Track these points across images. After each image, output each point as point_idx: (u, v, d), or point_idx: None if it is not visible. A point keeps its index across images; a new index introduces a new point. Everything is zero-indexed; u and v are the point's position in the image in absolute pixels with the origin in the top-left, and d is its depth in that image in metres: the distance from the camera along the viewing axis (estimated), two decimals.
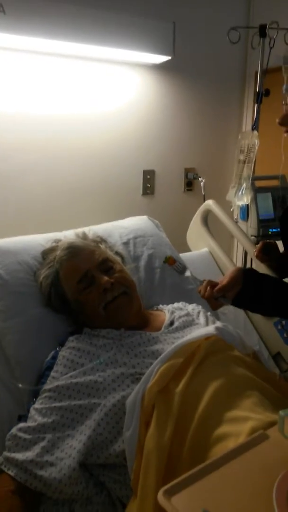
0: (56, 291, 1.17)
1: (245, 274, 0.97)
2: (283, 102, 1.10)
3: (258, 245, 1.36)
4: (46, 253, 1.25)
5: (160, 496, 0.64)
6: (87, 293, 1.13)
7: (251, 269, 1.03)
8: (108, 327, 1.12)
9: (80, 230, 1.31)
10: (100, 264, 1.16)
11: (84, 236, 1.27)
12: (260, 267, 1.40)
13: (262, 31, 1.74)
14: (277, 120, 1.11)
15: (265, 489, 0.64)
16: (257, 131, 1.74)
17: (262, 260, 1.37)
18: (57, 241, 1.28)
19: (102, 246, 1.26)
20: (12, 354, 1.12)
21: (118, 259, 1.26)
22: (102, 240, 1.31)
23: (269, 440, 0.76)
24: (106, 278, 1.12)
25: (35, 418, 0.95)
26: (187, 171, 2.12)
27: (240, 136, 1.75)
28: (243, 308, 1.05)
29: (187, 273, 1.06)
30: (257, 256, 1.36)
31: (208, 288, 0.98)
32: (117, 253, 1.31)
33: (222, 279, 0.99)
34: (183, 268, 1.08)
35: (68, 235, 1.32)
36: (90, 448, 0.89)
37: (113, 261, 1.20)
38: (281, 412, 0.73)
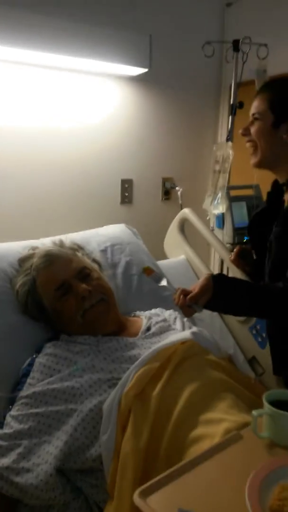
0: (33, 298, 1.17)
1: (215, 282, 1.00)
2: (251, 113, 1.15)
3: (235, 250, 1.38)
4: (22, 260, 1.25)
5: (136, 497, 0.65)
6: (64, 300, 1.13)
7: (220, 275, 1.07)
8: (85, 334, 1.13)
9: (57, 237, 1.31)
10: (77, 273, 1.16)
11: (61, 244, 1.27)
12: (236, 273, 1.44)
13: (236, 45, 1.79)
14: (240, 131, 1.17)
15: (238, 487, 0.66)
16: (232, 142, 1.79)
17: (237, 265, 1.39)
18: (34, 248, 1.28)
19: (79, 253, 1.27)
20: None
21: (95, 266, 1.27)
22: (79, 247, 1.32)
23: (243, 440, 0.78)
24: (84, 286, 1.13)
25: (12, 425, 0.95)
26: (164, 180, 2.15)
27: (215, 147, 1.79)
28: (216, 311, 1.12)
29: (163, 282, 1.10)
30: (233, 261, 1.39)
31: (181, 296, 1.01)
32: (94, 260, 1.32)
33: (193, 287, 1.02)
34: (160, 277, 1.11)
35: (45, 242, 1.32)
36: (67, 453, 0.90)
37: (90, 269, 1.21)
38: (254, 412, 0.76)
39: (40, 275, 1.17)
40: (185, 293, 1.01)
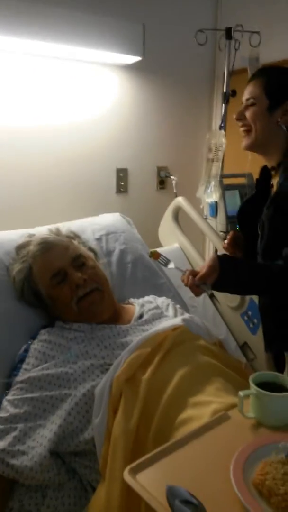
0: (29, 285, 1.18)
1: (221, 261, 1.04)
2: (245, 98, 1.17)
3: (229, 235, 1.38)
4: (19, 247, 1.26)
5: (126, 474, 0.68)
6: (60, 288, 1.15)
7: (226, 255, 1.12)
8: (80, 321, 1.15)
9: (53, 226, 1.32)
10: (73, 260, 1.18)
11: (58, 232, 1.28)
12: None
13: (228, 33, 1.79)
14: (234, 116, 1.19)
15: (225, 465, 0.68)
16: (225, 131, 1.79)
17: (231, 252, 1.40)
18: (31, 235, 1.29)
19: (75, 241, 1.28)
20: None
21: (91, 255, 1.28)
22: (76, 235, 1.33)
23: (230, 420, 0.81)
24: (79, 274, 1.14)
25: (7, 409, 0.97)
26: (159, 169, 2.15)
27: (208, 135, 1.80)
28: (223, 291, 1.17)
29: (171, 265, 1.12)
30: (227, 247, 1.40)
31: (190, 277, 1.05)
32: (90, 248, 1.33)
33: (201, 268, 1.06)
34: (167, 261, 1.14)
35: (41, 230, 1.33)
36: (61, 437, 0.92)
37: (86, 257, 1.22)
38: (240, 393, 0.78)
39: (36, 262, 1.18)
40: (193, 274, 1.06)
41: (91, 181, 1.93)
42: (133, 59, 1.78)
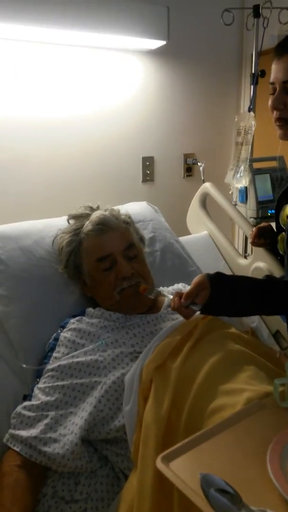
0: (74, 259, 1.17)
1: (210, 278, 0.95)
2: (281, 81, 1.02)
3: (252, 232, 1.33)
4: (74, 216, 1.24)
5: (158, 462, 0.67)
6: (105, 275, 1.13)
7: (218, 273, 0.99)
8: (116, 310, 1.13)
9: (116, 207, 1.27)
10: (125, 249, 1.15)
11: (117, 215, 1.23)
12: (258, 250, 1.42)
13: (256, 11, 1.72)
14: (270, 104, 1.05)
15: (260, 454, 0.66)
16: (254, 113, 1.73)
17: (258, 245, 1.36)
18: (87, 208, 1.26)
19: (131, 228, 1.24)
20: (16, 338, 1.15)
21: (141, 246, 1.25)
22: (132, 221, 1.28)
23: (265, 409, 0.78)
24: (128, 267, 1.12)
25: (39, 397, 0.98)
26: (186, 156, 2.12)
27: (236, 118, 1.74)
28: (217, 313, 1.00)
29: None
30: (252, 243, 1.36)
31: (176, 299, 0.95)
32: (141, 238, 1.30)
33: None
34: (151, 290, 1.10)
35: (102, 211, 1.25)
36: (92, 424, 0.92)
37: (138, 249, 1.19)
38: (276, 381, 0.76)
39: (88, 239, 1.15)
40: (180, 295, 0.96)
41: (116, 170, 1.91)
42: (158, 43, 1.75)
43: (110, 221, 1.17)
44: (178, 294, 0.95)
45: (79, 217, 1.23)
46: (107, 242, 1.14)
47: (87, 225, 1.17)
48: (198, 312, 1.04)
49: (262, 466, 0.63)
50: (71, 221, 1.25)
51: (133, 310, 1.14)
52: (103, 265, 1.12)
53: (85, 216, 1.22)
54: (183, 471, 0.66)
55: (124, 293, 1.12)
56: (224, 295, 0.95)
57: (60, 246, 1.21)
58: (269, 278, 1.05)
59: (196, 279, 0.95)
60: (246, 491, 0.60)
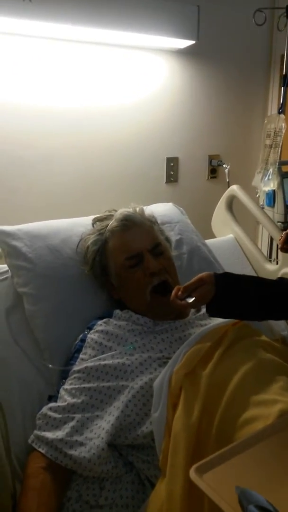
0: (100, 259, 1.15)
1: (217, 276, 0.93)
2: None
3: (282, 237, 1.31)
4: (98, 219, 1.23)
5: (192, 473, 0.65)
6: (132, 272, 1.10)
7: (225, 272, 0.98)
8: (144, 313, 1.11)
9: (139, 206, 1.26)
10: (152, 247, 1.13)
11: (142, 212, 1.21)
12: (286, 256, 1.39)
13: None
14: None
15: None
16: (284, 115, 1.70)
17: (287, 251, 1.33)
18: (112, 211, 1.25)
19: (156, 227, 1.23)
20: (42, 337, 1.14)
21: (167, 245, 1.23)
22: (156, 221, 1.27)
23: None
24: (155, 262, 1.09)
25: (65, 398, 0.97)
26: (211, 158, 2.09)
27: (266, 120, 1.71)
28: (220, 314, 0.98)
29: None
30: (281, 249, 1.33)
31: (173, 292, 0.94)
32: (167, 239, 1.28)
33: None
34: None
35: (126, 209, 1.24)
36: (118, 429, 0.91)
37: (164, 248, 1.17)
38: None
39: (114, 237, 1.14)
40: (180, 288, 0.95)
41: (141, 170, 1.90)
42: (187, 43, 1.73)
43: (135, 217, 1.16)
44: (179, 287, 0.95)
45: (104, 219, 1.22)
46: (133, 238, 1.12)
47: (112, 223, 1.16)
48: (226, 319, 1.02)
49: None
50: (96, 224, 1.24)
51: (162, 318, 1.11)
52: (130, 262, 1.10)
53: (109, 218, 1.21)
54: (218, 484, 0.63)
55: (155, 298, 1.09)
56: (229, 294, 0.93)
57: (85, 247, 1.19)
58: (282, 279, 1.02)
59: (200, 274, 0.94)
60: (284, 508, 0.58)
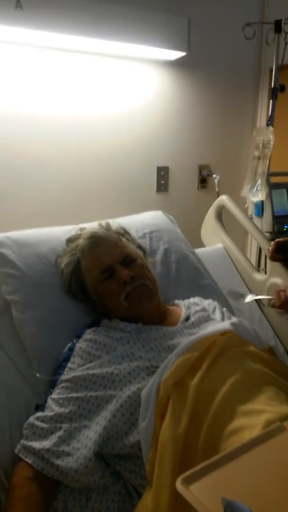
0: (77, 279, 1.18)
1: None
2: None
3: (271, 247, 1.33)
4: (69, 240, 1.25)
5: (178, 484, 0.65)
6: (106, 285, 1.13)
7: None
8: (127, 319, 1.12)
9: (104, 221, 1.30)
10: (122, 259, 1.15)
11: (108, 227, 1.26)
12: (275, 265, 1.40)
13: (278, 26, 1.73)
14: None
15: (283, 478, 0.64)
16: (272, 127, 1.73)
17: (276, 260, 1.35)
18: (82, 229, 1.28)
19: (124, 239, 1.25)
20: (30, 345, 1.14)
21: (140, 253, 1.25)
22: (125, 232, 1.30)
23: (286, 432, 0.76)
24: (126, 272, 1.12)
25: (52, 408, 0.96)
26: (201, 168, 2.11)
27: (255, 132, 1.74)
28: None
29: (249, 298, 1.13)
30: (270, 258, 1.35)
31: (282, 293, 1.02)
32: (139, 246, 1.30)
33: None
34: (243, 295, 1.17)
35: (92, 225, 1.31)
36: (106, 438, 0.90)
37: (134, 256, 1.19)
38: None
39: (84, 256, 1.17)
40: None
41: (131, 179, 1.91)
42: (177, 54, 1.76)
43: (101, 233, 1.20)
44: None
45: (74, 239, 1.24)
46: (102, 254, 1.15)
47: (81, 243, 1.19)
48: (216, 328, 1.02)
49: (284, 492, 0.61)
50: (68, 245, 1.25)
51: (143, 315, 1.13)
52: (104, 276, 1.13)
53: (78, 237, 1.23)
54: (204, 495, 0.63)
55: (131, 297, 1.12)
56: None
57: (60, 269, 1.21)
58: None
59: None
60: None
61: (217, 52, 2.01)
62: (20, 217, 1.64)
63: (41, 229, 1.35)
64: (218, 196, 1.76)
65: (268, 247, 1.38)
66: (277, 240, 1.31)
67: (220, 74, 2.06)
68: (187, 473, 0.67)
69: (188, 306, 1.22)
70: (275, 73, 1.78)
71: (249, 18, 1.82)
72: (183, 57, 1.78)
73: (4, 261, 1.22)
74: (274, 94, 1.77)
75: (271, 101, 1.79)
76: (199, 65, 1.98)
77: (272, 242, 1.32)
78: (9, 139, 1.59)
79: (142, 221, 1.52)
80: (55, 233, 1.33)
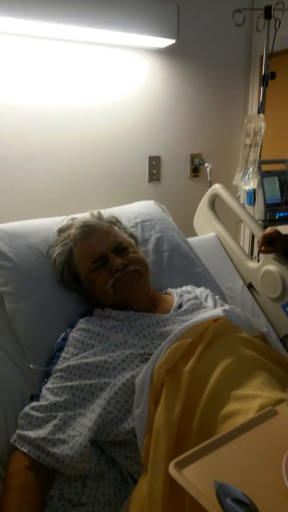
0: (69, 268, 1.18)
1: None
2: None
3: (259, 241, 1.35)
4: (61, 230, 1.25)
5: (171, 468, 0.66)
6: (98, 273, 1.13)
7: None
8: (118, 306, 1.13)
9: (96, 210, 1.29)
10: (114, 248, 1.16)
11: (99, 216, 1.26)
12: (268, 257, 1.41)
13: (268, 12, 1.71)
14: None
15: (274, 462, 0.65)
16: (263, 114, 1.72)
17: (267, 252, 1.37)
18: (73, 219, 1.28)
19: (116, 227, 1.25)
20: (23, 336, 1.14)
21: (132, 241, 1.26)
22: (117, 221, 1.30)
23: (278, 416, 0.77)
24: (119, 260, 1.12)
25: (47, 397, 0.97)
26: (193, 157, 2.11)
27: (246, 119, 1.73)
28: None
29: None
30: (261, 252, 1.37)
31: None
32: (131, 235, 1.30)
33: None
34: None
35: (83, 214, 1.31)
36: (101, 425, 0.91)
37: (126, 245, 1.20)
38: None
39: (76, 245, 1.17)
40: None
41: (123, 169, 1.90)
42: (167, 42, 1.74)
43: (93, 222, 1.20)
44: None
45: (66, 229, 1.24)
46: (94, 243, 1.16)
47: (73, 231, 1.19)
48: (208, 315, 1.03)
49: (278, 474, 0.62)
50: (60, 235, 1.25)
51: (131, 300, 1.13)
52: (96, 265, 1.14)
53: (70, 226, 1.23)
54: (197, 478, 0.64)
55: (117, 283, 1.12)
56: None
57: (52, 259, 1.21)
58: None
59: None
60: (261, 500, 0.59)
61: (207, 40, 2.00)
62: (13, 209, 1.63)
63: (32, 220, 1.35)
64: (210, 185, 1.76)
65: (262, 231, 1.38)
66: (263, 234, 1.33)
67: (210, 61, 2.04)
68: (180, 457, 0.67)
69: (180, 294, 1.23)
70: (265, 60, 1.77)
71: (239, 4, 1.81)
72: (172, 45, 1.76)
73: None
74: (264, 81, 1.76)
75: (261, 88, 1.78)
76: (189, 52, 1.96)
77: (260, 236, 1.33)
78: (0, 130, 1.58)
79: (134, 211, 1.52)
80: (46, 224, 1.33)
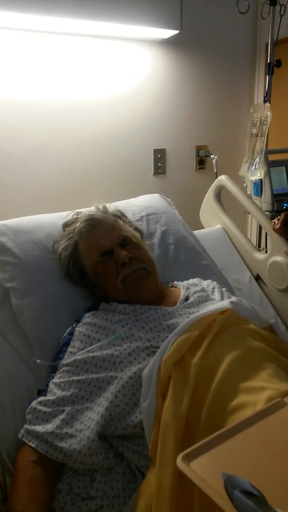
0: (75, 262, 1.17)
1: None
2: None
3: (280, 218, 1.32)
4: (66, 224, 1.25)
5: (179, 461, 0.65)
6: (105, 265, 1.13)
7: None
8: (125, 301, 1.13)
9: (101, 204, 1.29)
10: (121, 241, 1.16)
11: (105, 210, 1.25)
12: (276, 241, 1.39)
13: None
14: None
15: (282, 453, 0.64)
16: (269, 103, 1.69)
17: (282, 234, 1.35)
18: (78, 213, 1.28)
19: (121, 221, 1.25)
20: (30, 332, 1.14)
21: (137, 235, 1.25)
22: (122, 214, 1.30)
23: (286, 408, 0.76)
24: (124, 252, 1.12)
25: (54, 392, 0.96)
26: (198, 149, 2.09)
27: (252, 109, 1.71)
28: None
29: None
30: (278, 230, 1.34)
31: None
32: (136, 228, 1.30)
33: None
34: None
35: (88, 208, 1.30)
36: (108, 419, 0.91)
37: (132, 238, 1.19)
38: None
39: (82, 239, 1.17)
40: None
41: (128, 163, 1.89)
42: (170, 33, 1.72)
43: (98, 215, 1.20)
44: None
45: (71, 223, 1.23)
46: (100, 236, 1.15)
47: (79, 225, 1.18)
48: (215, 307, 1.02)
49: (286, 466, 0.61)
50: (65, 229, 1.25)
51: (139, 296, 1.13)
52: (103, 258, 1.13)
53: (75, 220, 1.22)
54: (205, 470, 0.64)
55: (127, 281, 1.12)
56: None
57: (58, 253, 1.21)
58: None
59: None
60: (270, 492, 0.58)
61: (211, 29, 1.97)
62: (17, 205, 1.63)
63: (37, 216, 1.35)
64: (216, 177, 1.74)
65: (273, 222, 1.36)
66: (286, 212, 1.30)
67: (215, 51, 2.02)
68: (188, 450, 0.67)
69: (187, 287, 1.22)
70: (270, 48, 1.74)
71: None
72: (176, 35, 1.74)
73: (1, 249, 1.22)
74: (270, 69, 1.74)
75: (267, 76, 1.75)
76: (193, 43, 1.94)
77: (281, 215, 1.31)
78: (3, 126, 1.57)
79: (139, 205, 1.51)
80: (51, 219, 1.32)
